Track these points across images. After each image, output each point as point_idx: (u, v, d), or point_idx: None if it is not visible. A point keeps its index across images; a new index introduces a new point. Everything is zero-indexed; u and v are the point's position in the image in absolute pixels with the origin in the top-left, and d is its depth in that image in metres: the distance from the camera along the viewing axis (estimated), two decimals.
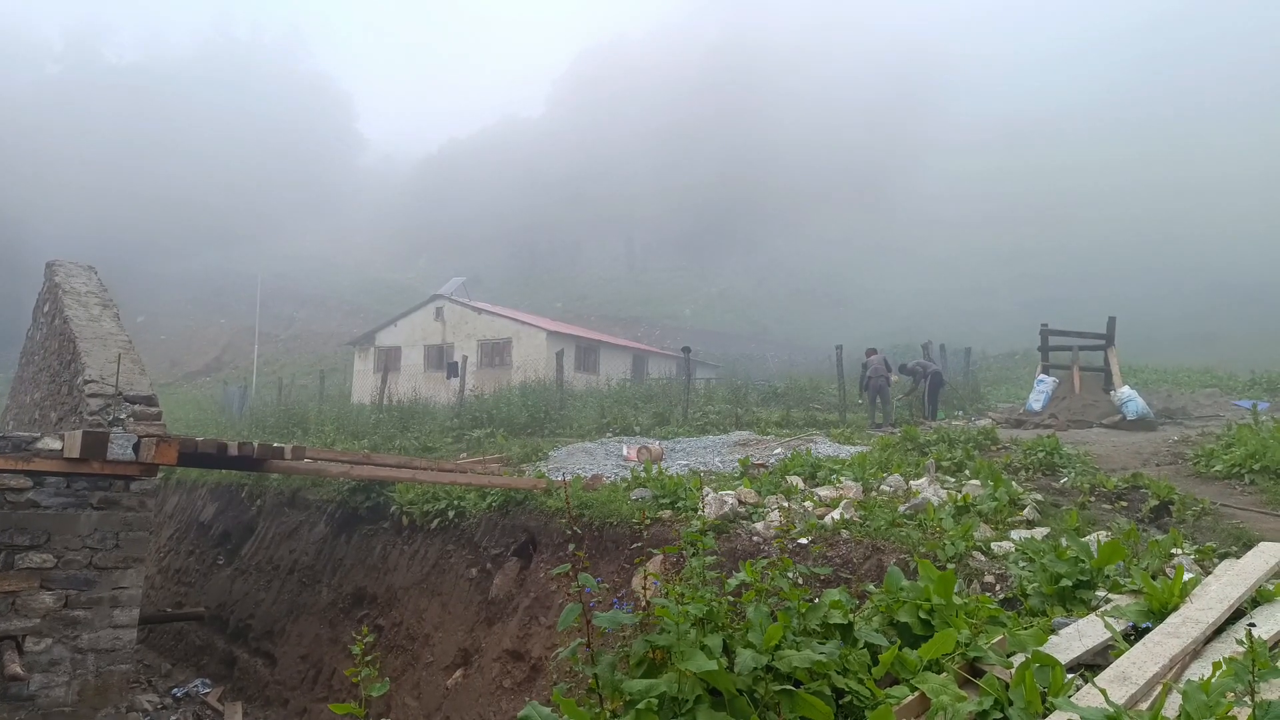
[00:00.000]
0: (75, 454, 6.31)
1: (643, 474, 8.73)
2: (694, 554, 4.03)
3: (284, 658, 10.02)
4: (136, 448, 6.59)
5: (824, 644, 3.37)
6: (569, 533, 4.26)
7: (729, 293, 60.32)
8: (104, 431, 6.47)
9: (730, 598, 3.80)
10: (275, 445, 8.12)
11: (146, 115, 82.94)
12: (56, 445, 6.42)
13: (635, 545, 6.68)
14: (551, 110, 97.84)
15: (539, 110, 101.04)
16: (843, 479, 8.07)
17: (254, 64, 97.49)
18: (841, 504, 6.78)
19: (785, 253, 65.03)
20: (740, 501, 7.32)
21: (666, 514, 7.42)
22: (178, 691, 9.69)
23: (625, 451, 11.95)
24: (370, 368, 32.79)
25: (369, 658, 3.23)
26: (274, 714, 9.39)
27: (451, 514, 9.26)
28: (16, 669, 5.70)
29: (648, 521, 7.12)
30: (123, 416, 7.12)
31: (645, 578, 3.68)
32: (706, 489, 7.72)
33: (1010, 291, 49.38)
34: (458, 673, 7.91)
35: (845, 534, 6.08)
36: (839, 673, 3.27)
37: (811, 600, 3.69)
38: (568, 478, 9.36)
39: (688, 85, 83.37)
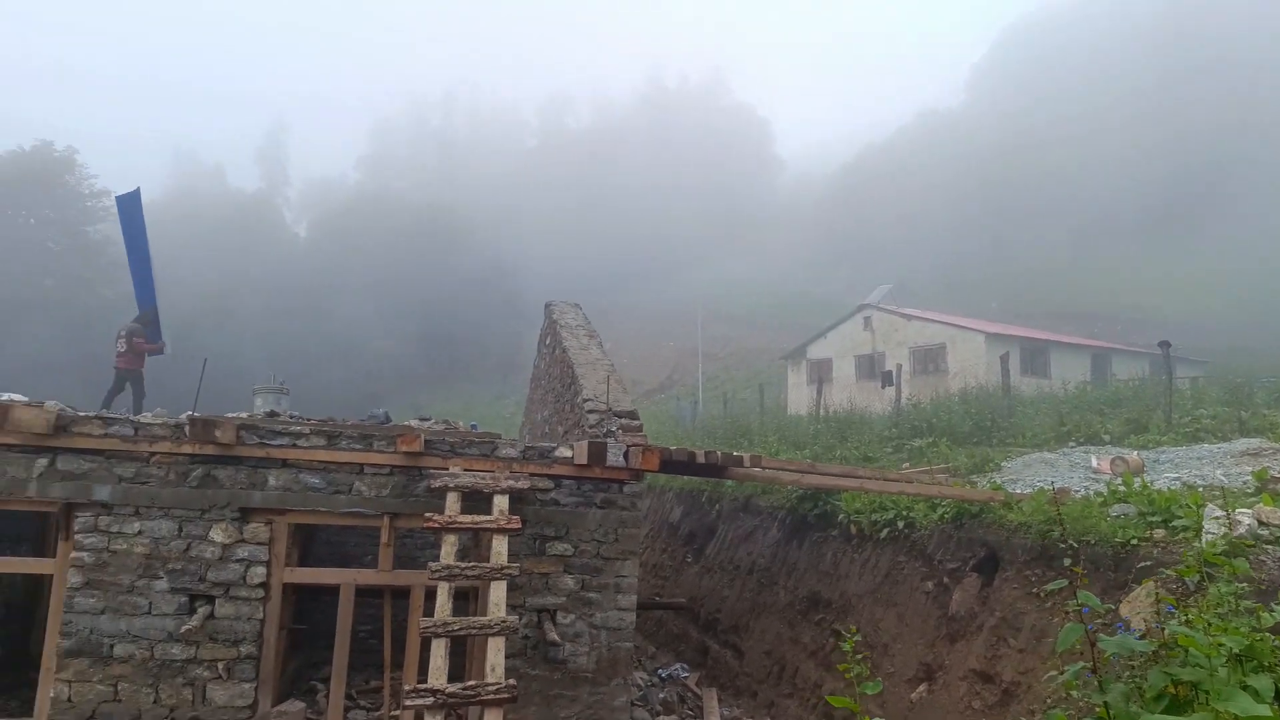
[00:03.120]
0: (583, 461, 7.53)
1: (1122, 488, 7.76)
2: (1217, 580, 3.49)
3: (750, 651, 10.77)
4: (626, 455, 7.65)
5: None
6: (1063, 547, 3.96)
7: (1209, 275, 50.66)
8: (603, 441, 7.63)
9: (1270, 634, 3.22)
10: (736, 454, 8.82)
11: (600, 168, 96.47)
12: (568, 454, 7.72)
13: (1127, 568, 5.97)
14: (973, 98, 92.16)
15: (958, 100, 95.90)
16: None
17: (683, 109, 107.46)
18: None
19: None
20: (1260, 522, 6.10)
21: (1159, 533, 6.50)
22: (662, 673, 10.95)
23: (1094, 463, 10.72)
24: (803, 380, 33.89)
25: (829, 657, 3.35)
26: (744, 704, 10.14)
27: (901, 524, 9.15)
28: (554, 636, 7.00)
29: (1135, 541, 6.34)
30: (613, 429, 8.30)
31: (1157, 601, 3.28)
32: (1210, 505, 6.59)
33: None
34: (921, 687, 7.77)
35: None
36: None
37: None
38: (1028, 490, 8.70)
39: (1138, 42, 72.39)
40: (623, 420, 8.49)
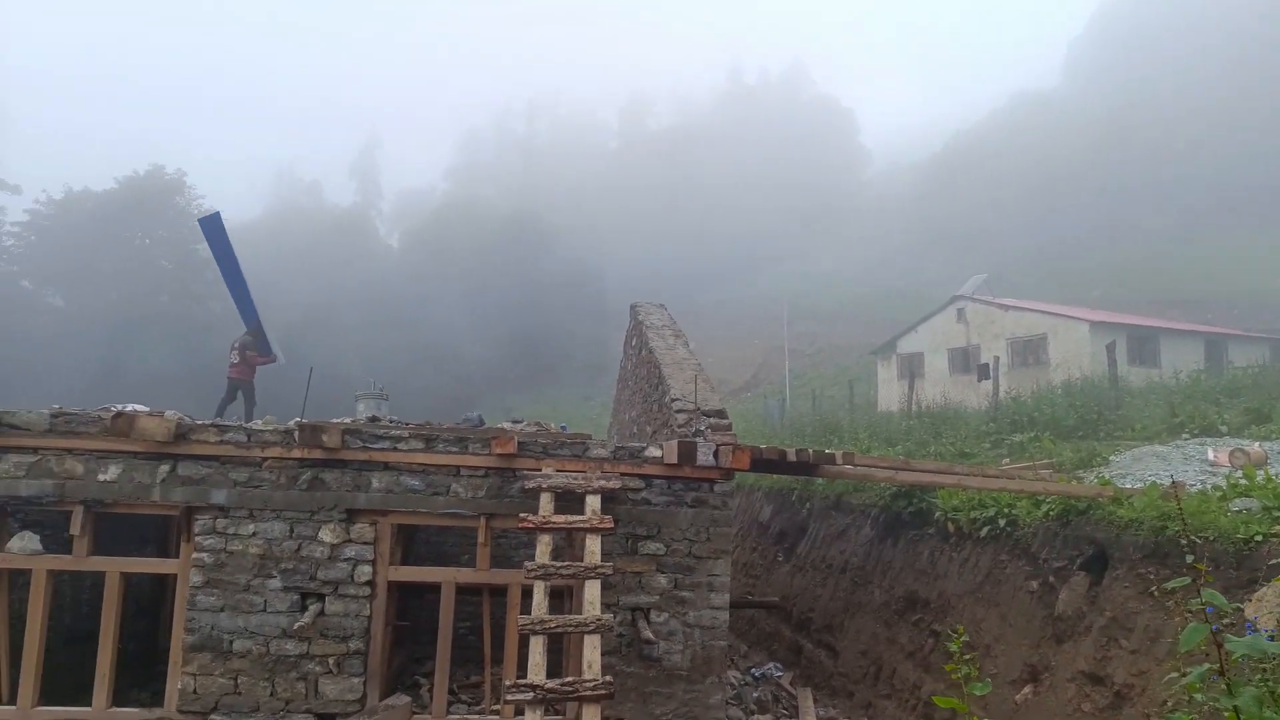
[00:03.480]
0: (673, 460, 7.55)
1: (1243, 481, 7.32)
2: None
3: (844, 651, 10.60)
4: (716, 454, 7.64)
5: None
6: (1182, 544, 3.77)
7: None
8: (693, 441, 7.63)
9: None
10: (827, 452, 8.69)
11: (680, 167, 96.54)
12: (657, 453, 7.75)
13: (1251, 566, 5.63)
14: (1069, 78, 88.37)
15: (1054, 81, 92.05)
16: None
17: (765, 103, 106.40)
18: None
19: None
20: None
21: None
22: (756, 672, 10.89)
23: (1211, 455, 10.16)
24: (894, 375, 33.13)
25: (929, 658, 3.26)
26: (840, 704, 9.97)
27: (1002, 522, 8.84)
28: (649, 634, 7.04)
29: (1260, 537, 5.97)
30: (702, 428, 8.29)
31: None
32: None
33: None
34: (1026, 689, 7.50)
35: None
36: None
37: None
38: (1139, 485, 8.29)
39: (1247, 9, 67.97)
40: (711, 419, 8.46)
